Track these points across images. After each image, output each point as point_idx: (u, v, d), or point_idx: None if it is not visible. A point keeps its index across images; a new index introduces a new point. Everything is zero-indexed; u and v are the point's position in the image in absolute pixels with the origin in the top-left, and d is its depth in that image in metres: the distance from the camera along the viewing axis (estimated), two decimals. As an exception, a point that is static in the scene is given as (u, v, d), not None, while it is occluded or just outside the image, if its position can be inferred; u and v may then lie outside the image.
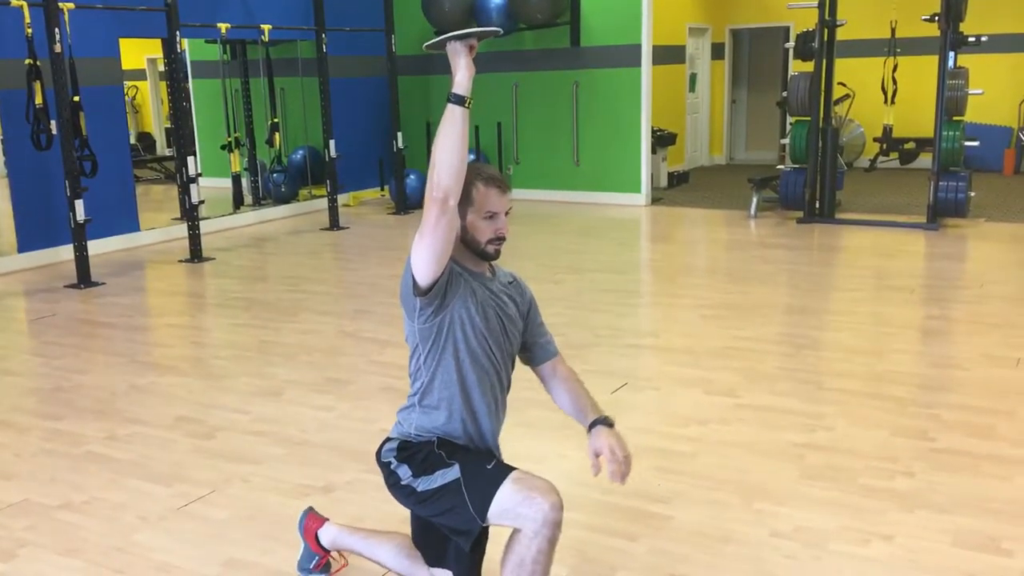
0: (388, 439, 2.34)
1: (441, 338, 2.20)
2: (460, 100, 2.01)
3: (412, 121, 10.21)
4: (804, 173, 8.41)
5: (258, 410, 4.09)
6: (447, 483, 2.17)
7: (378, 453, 2.34)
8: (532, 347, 2.41)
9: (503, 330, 2.29)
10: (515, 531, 2.13)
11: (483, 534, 2.26)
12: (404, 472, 2.25)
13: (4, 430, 3.93)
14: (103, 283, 6.64)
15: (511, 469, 2.17)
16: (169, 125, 10.27)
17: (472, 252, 2.24)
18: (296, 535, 2.71)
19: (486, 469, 2.16)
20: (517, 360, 2.42)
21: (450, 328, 2.19)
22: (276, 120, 9.21)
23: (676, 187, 11.04)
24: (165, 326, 5.86)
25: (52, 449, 3.71)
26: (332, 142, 8.73)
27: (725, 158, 13.62)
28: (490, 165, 2.29)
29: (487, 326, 2.23)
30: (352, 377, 4.51)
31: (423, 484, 2.21)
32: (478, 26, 9.62)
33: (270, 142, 9.16)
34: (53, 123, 6.51)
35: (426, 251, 2.05)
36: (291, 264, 7.49)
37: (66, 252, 6.85)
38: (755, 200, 8.88)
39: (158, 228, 8.36)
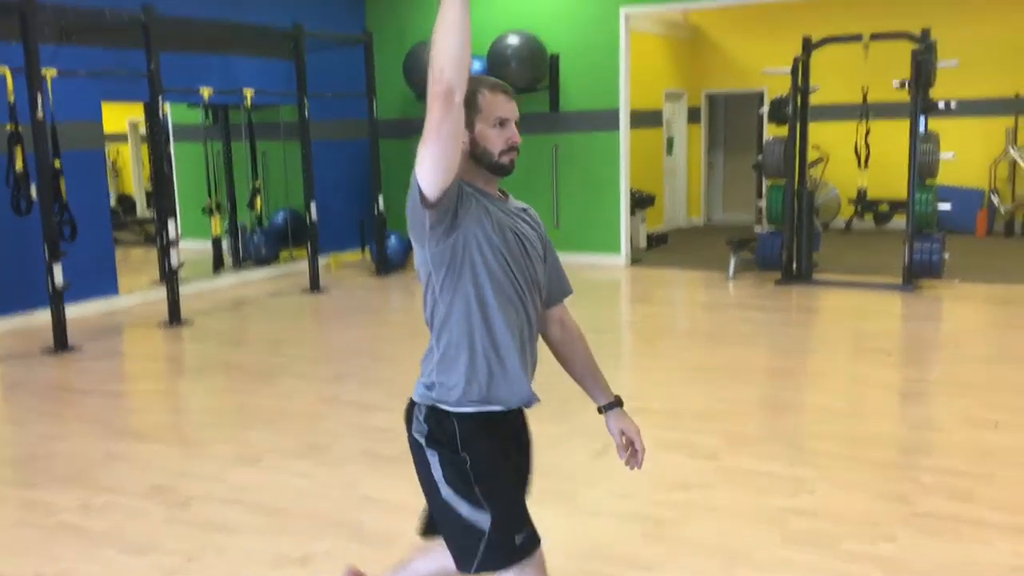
0: (413, 403, 2.16)
1: (456, 261, 2.01)
2: None
3: (393, 183, 10.28)
4: (781, 235, 8.51)
5: (235, 478, 4.04)
6: (471, 522, 2.06)
7: (407, 419, 2.17)
8: (547, 284, 2.25)
9: (523, 252, 2.10)
10: None
11: None
12: (434, 461, 2.10)
13: (-25, 500, 3.86)
14: (80, 348, 6.58)
15: (533, 550, 2.07)
16: (150, 187, 10.31)
17: (485, 168, 2.07)
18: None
19: (513, 543, 2.05)
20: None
21: (465, 248, 2.00)
22: (258, 184, 9.25)
23: (655, 248, 11.14)
24: (142, 392, 5.80)
25: (25, 519, 3.64)
26: (313, 205, 8.77)
27: (703, 219, 13.77)
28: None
29: (506, 246, 2.05)
30: (332, 442, 4.46)
31: (448, 494, 2.08)
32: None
33: (251, 205, 9.19)
34: (33, 187, 6.50)
35: (432, 156, 1.87)
36: (270, 327, 7.46)
37: (43, 316, 6.78)
38: (733, 262, 8.96)
39: (137, 291, 8.31)
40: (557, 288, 2.28)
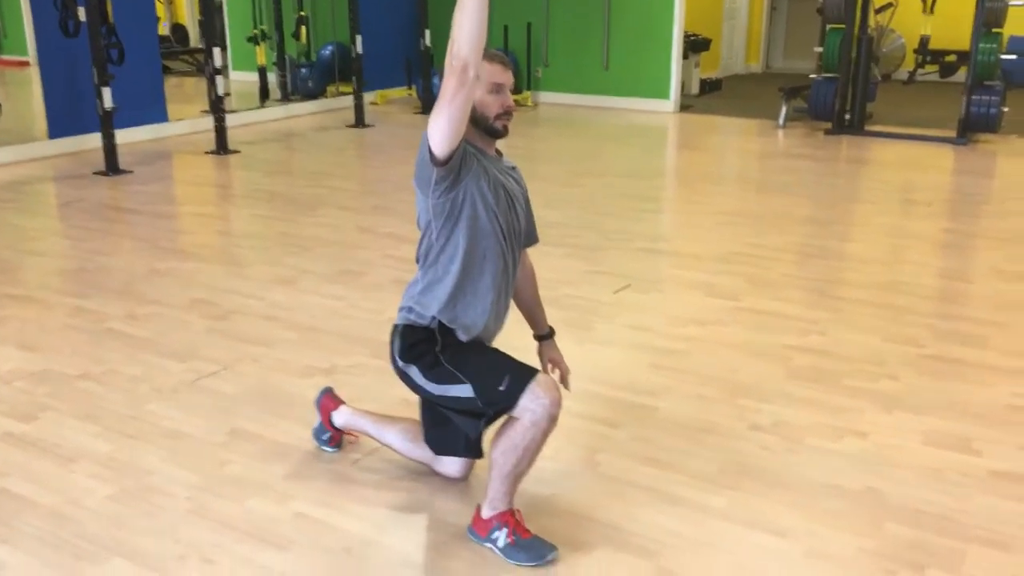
0: (395, 328, 2.40)
1: (455, 212, 2.24)
2: None
3: (440, 20, 10.07)
4: (835, 83, 8.26)
5: (272, 296, 4.24)
6: (462, 396, 2.27)
7: (391, 346, 2.41)
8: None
9: (512, 209, 2.35)
10: (512, 417, 2.24)
11: None
12: (415, 373, 2.35)
13: (31, 305, 4.12)
14: (131, 171, 6.78)
15: (527, 380, 2.19)
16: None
17: (482, 131, 2.29)
18: (303, 410, 2.87)
19: (499, 392, 2.21)
20: None
21: (463, 203, 2.23)
22: (304, 13, 9.16)
23: (707, 94, 10.89)
24: (188, 214, 6.01)
25: (75, 324, 3.90)
26: (359, 38, 8.69)
27: (761, 66, 13.35)
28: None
29: (497, 203, 2.29)
30: (365, 270, 4.63)
31: (436, 390, 2.32)
32: None
33: (296, 36, 9.13)
34: (81, 10, 6.55)
35: (444, 121, 2.07)
36: (315, 160, 7.58)
37: (95, 140, 6.96)
38: (784, 110, 8.76)
39: (186, 119, 8.44)
40: (528, 236, 2.54)
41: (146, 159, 7.26)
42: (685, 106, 9.91)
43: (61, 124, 7.30)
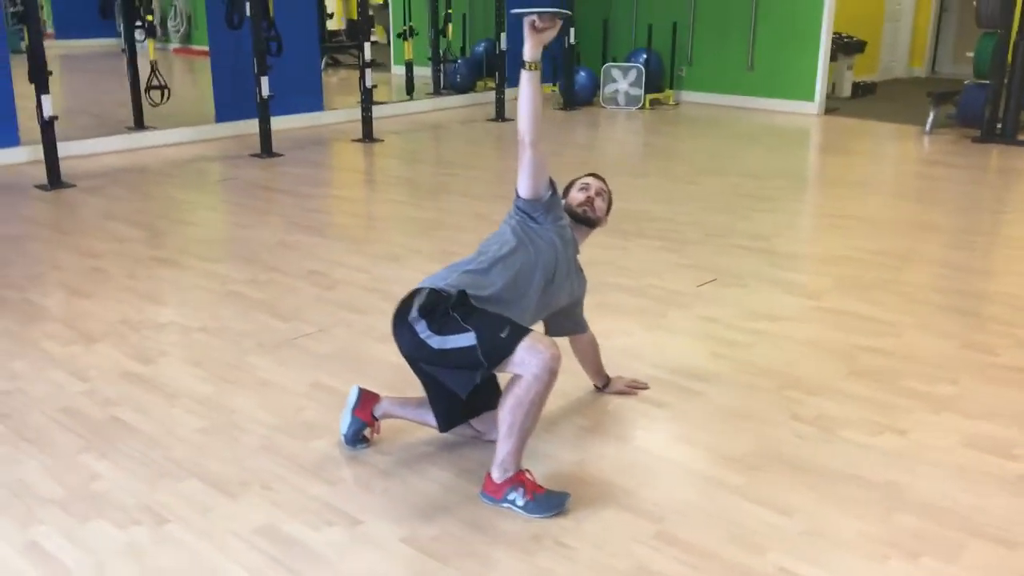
0: (418, 290, 2.62)
1: (532, 234, 2.75)
2: (523, 64, 2.59)
3: (587, 18, 10.30)
4: (987, 90, 7.92)
5: (378, 271, 4.62)
6: (463, 346, 2.46)
7: (401, 311, 2.59)
8: (573, 319, 3.10)
9: (566, 279, 2.83)
10: (516, 376, 2.46)
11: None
12: (422, 327, 2.53)
13: (169, 267, 4.67)
14: (282, 155, 7.39)
15: (527, 332, 2.44)
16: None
17: (575, 219, 2.92)
18: (379, 370, 3.17)
19: (500, 338, 2.44)
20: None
21: (540, 237, 2.74)
22: (450, 11, 9.59)
23: (859, 98, 10.61)
24: (325, 196, 6.51)
25: (203, 285, 4.40)
26: (503, 35, 9.04)
27: (926, 70, 12.81)
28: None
29: (560, 257, 2.77)
30: (466, 251, 4.90)
31: (437, 342, 2.50)
32: None
33: (443, 32, 9.58)
34: (247, 4, 7.19)
35: (521, 176, 2.75)
36: (451, 150, 7.99)
37: (254, 125, 7.60)
38: (932, 115, 8.46)
39: (341, 109, 9.04)
40: (582, 325, 3.14)
41: (298, 144, 7.88)
42: (831, 109, 9.71)
43: (226, 109, 8.03)
